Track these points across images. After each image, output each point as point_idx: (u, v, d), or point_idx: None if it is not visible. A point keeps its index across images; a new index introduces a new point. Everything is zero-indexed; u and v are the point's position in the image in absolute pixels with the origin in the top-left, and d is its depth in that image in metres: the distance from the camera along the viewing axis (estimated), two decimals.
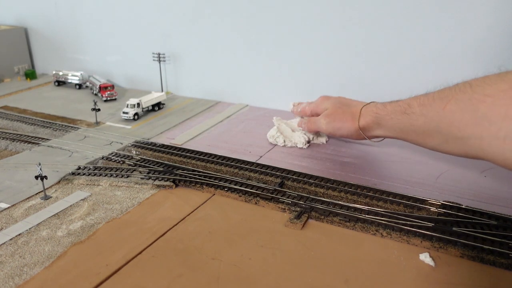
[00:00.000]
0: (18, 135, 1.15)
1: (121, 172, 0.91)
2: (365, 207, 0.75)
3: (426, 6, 1.05)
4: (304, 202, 0.78)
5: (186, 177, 0.87)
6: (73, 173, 0.92)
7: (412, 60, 1.11)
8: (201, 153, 1.00)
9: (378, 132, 0.87)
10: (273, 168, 0.91)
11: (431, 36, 1.07)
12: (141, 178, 0.88)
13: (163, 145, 1.05)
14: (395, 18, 1.10)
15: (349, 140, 1.06)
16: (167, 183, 0.86)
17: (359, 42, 1.16)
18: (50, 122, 1.24)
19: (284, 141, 1.05)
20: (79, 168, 0.95)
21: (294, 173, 0.89)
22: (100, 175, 0.91)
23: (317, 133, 1.07)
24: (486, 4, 0.98)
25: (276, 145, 1.05)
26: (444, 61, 1.07)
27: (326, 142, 1.07)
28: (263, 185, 0.84)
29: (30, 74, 1.75)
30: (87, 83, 1.58)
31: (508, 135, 0.57)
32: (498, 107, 0.58)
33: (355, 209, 0.75)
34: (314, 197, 0.80)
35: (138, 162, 0.96)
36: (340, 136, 0.96)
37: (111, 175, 0.90)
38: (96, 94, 1.49)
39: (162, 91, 1.48)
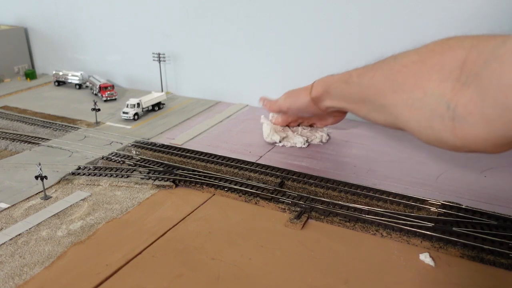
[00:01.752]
0: (18, 135, 1.15)
1: (121, 172, 0.91)
2: (365, 207, 0.75)
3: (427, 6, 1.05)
4: (304, 202, 0.78)
5: (186, 177, 0.87)
6: (73, 173, 0.92)
7: None
8: (201, 153, 1.00)
9: (327, 103, 0.89)
10: (273, 168, 0.91)
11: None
12: (141, 178, 0.88)
13: (163, 145, 1.05)
14: (395, 18, 1.10)
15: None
16: (167, 183, 0.86)
17: (360, 43, 1.16)
18: (50, 122, 1.24)
19: (280, 140, 1.05)
20: (79, 168, 0.95)
21: (294, 173, 0.89)
22: (100, 175, 0.91)
23: (280, 115, 1.07)
24: None
25: (276, 145, 1.05)
26: None
27: (326, 141, 1.07)
28: (263, 185, 0.84)
29: (30, 74, 1.75)
30: (87, 83, 1.58)
31: (413, 104, 0.61)
32: (410, 77, 0.62)
33: (355, 209, 0.75)
34: (314, 197, 0.80)
35: (138, 162, 0.96)
36: (297, 111, 0.99)
37: (111, 175, 0.90)
38: (96, 94, 1.49)
39: (162, 91, 1.48)
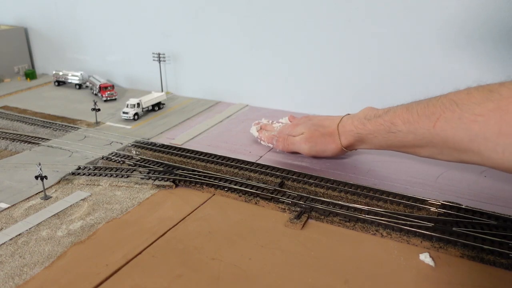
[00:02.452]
0: (18, 135, 1.15)
1: (121, 172, 0.91)
2: (365, 207, 0.75)
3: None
4: (304, 202, 0.78)
5: (186, 177, 0.87)
6: (73, 173, 0.92)
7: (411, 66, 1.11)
8: (201, 153, 1.00)
9: (363, 147, 0.88)
10: (273, 168, 0.91)
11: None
12: (141, 178, 0.88)
13: (163, 145, 1.05)
14: (395, 19, 1.10)
15: None
16: (167, 183, 0.86)
17: (360, 42, 1.16)
18: (50, 122, 1.24)
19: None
20: (79, 168, 0.95)
21: (294, 173, 0.89)
22: (100, 175, 0.91)
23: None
24: None
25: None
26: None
27: None
28: (263, 185, 0.84)
29: (30, 74, 1.75)
30: (87, 83, 1.58)
31: (506, 148, 0.61)
32: (491, 126, 0.62)
33: (355, 209, 0.75)
34: (314, 197, 0.80)
35: (138, 162, 0.96)
36: (324, 157, 0.96)
37: (111, 175, 0.90)
38: (96, 94, 1.49)
39: (162, 91, 1.48)
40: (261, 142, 1.05)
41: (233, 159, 0.96)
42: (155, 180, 0.87)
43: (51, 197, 0.83)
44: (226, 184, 0.85)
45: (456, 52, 1.05)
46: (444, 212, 0.74)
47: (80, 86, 1.60)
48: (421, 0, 1.05)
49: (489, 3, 0.98)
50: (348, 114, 0.91)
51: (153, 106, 1.33)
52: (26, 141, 1.11)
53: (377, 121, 0.80)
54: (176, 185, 0.86)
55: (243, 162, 0.94)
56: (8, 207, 0.80)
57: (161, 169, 0.92)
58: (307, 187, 0.84)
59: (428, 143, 0.73)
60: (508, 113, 0.60)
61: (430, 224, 0.69)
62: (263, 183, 0.86)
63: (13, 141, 1.11)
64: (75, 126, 1.21)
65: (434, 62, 1.08)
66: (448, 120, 0.67)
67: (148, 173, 0.90)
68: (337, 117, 0.92)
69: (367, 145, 0.86)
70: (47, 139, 1.12)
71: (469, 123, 0.64)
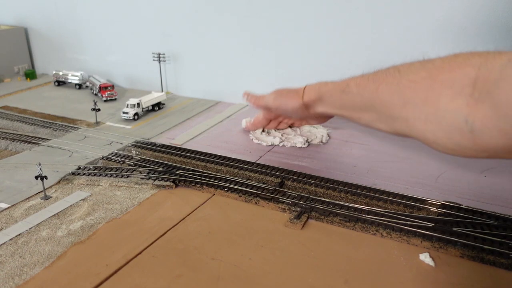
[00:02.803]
0: (18, 135, 1.15)
1: (121, 172, 0.91)
2: (365, 207, 0.75)
3: None
4: (304, 202, 0.78)
5: (186, 177, 0.87)
6: (73, 173, 0.92)
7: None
8: (201, 153, 1.00)
9: (320, 109, 0.91)
10: (273, 168, 0.91)
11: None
12: (141, 178, 0.88)
13: (163, 145, 1.05)
14: (394, 18, 1.10)
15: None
16: (167, 183, 0.86)
17: (360, 42, 1.16)
18: (50, 122, 1.24)
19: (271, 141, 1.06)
20: (79, 168, 0.95)
21: (294, 173, 0.89)
22: (100, 175, 0.91)
23: (265, 110, 1.08)
24: None
25: (275, 145, 1.05)
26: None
27: (326, 142, 1.07)
28: (263, 185, 0.84)
29: (30, 74, 1.75)
30: (87, 83, 1.58)
31: (427, 117, 0.64)
32: (420, 92, 0.65)
33: (355, 209, 0.75)
34: (314, 197, 0.80)
35: (138, 162, 0.96)
36: (285, 112, 1.01)
37: (111, 175, 0.90)
38: (96, 94, 1.49)
39: (162, 91, 1.48)
40: (284, 143, 1.06)
41: (233, 159, 0.96)
42: (155, 180, 0.87)
43: (51, 197, 0.83)
44: (226, 184, 0.85)
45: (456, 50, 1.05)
46: (444, 212, 0.74)
47: (80, 86, 1.60)
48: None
49: (488, 3, 0.98)
50: None
51: (153, 106, 1.33)
52: (26, 141, 1.11)
53: (337, 82, 0.85)
54: (176, 185, 0.86)
55: (243, 162, 0.94)
56: (8, 207, 0.80)
57: (161, 169, 0.92)
58: (307, 187, 0.84)
59: (370, 107, 0.76)
60: (435, 82, 0.63)
61: (430, 224, 0.69)
62: (263, 183, 0.86)
63: (13, 141, 1.11)
64: (75, 126, 1.21)
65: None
66: (389, 84, 0.71)
67: (148, 173, 0.90)
68: None
69: (324, 105, 0.89)
70: (47, 139, 1.12)
71: (404, 88, 0.68)
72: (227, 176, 0.88)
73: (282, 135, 1.08)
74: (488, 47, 1.01)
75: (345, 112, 0.85)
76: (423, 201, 0.77)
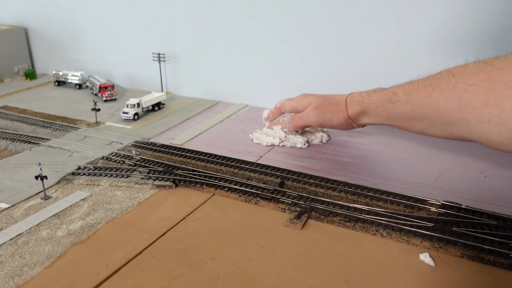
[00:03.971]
0: (18, 135, 1.15)
1: (121, 172, 0.91)
2: (365, 207, 0.75)
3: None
4: (304, 202, 0.78)
5: (186, 177, 0.87)
6: (73, 173, 0.92)
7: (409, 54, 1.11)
8: (201, 153, 1.00)
9: (365, 120, 0.91)
10: (273, 168, 0.91)
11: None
12: (141, 178, 0.88)
13: (163, 145, 1.05)
14: (396, 20, 1.10)
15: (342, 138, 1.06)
16: (167, 183, 0.86)
17: (359, 42, 1.16)
18: (50, 122, 1.24)
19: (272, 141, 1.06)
20: (79, 168, 0.95)
21: (294, 173, 0.89)
22: (100, 175, 0.91)
23: (302, 130, 1.08)
24: None
25: (275, 145, 1.05)
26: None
27: (326, 142, 1.07)
28: (263, 185, 0.84)
29: (30, 74, 1.75)
30: (87, 83, 1.58)
31: (491, 119, 0.63)
32: (480, 95, 0.64)
33: (355, 209, 0.75)
34: (314, 197, 0.80)
35: (138, 162, 0.96)
36: (330, 127, 0.99)
37: (111, 175, 0.90)
38: (96, 94, 1.49)
39: (162, 91, 1.48)
40: (284, 144, 1.05)
41: (233, 159, 0.96)
42: (155, 180, 0.87)
43: (51, 197, 0.83)
44: (226, 184, 0.85)
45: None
46: (444, 212, 0.74)
47: (80, 86, 1.60)
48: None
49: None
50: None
51: (153, 106, 1.33)
52: (26, 141, 1.11)
53: (381, 91, 0.83)
54: (176, 185, 0.86)
55: (243, 162, 0.94)
56: (8, 207, 0.80)
57: (161, 169, 0.92)
58: (307, 187, 0.84)
59: (422, 115, 0.75)
60: (497, 83, 0.62)
61: (430, 224, 0.69)
62: (263, 183, 0.86)
63: (13, 141, 1.11)
64: (75, 126, 1.21)
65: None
66: (443, 90, 0.69)
67: (148, 173, 0.90)
68: (347, 94, 0.95)
69: (369, 117, 0.88)
70: (47, 139, 1.12)
71: (461, 92, 0.66)
72: (227, 176, 0.88)
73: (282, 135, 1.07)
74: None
75: (393, 122, 0.83)
76: (423, 201, 0.77)
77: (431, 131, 0.76)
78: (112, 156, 1.00)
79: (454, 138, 0.74)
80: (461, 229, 0.68)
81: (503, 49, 0.95)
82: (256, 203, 0.80)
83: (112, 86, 1.45)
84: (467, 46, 1.04)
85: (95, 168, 0.94)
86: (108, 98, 1.44)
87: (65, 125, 1.21)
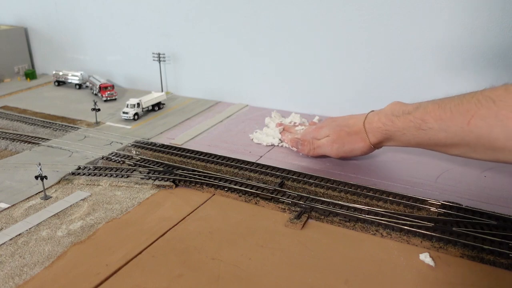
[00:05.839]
0: (18, 135, 1.15)
1: (121, 172, 0.91)
2: (365, 207, 0.75)
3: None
4: (304, 202, 0.78)
5: (186, 177, 0.87)
6: (73, 173, 0.92)
7: (412, 62, 1.11)
8: (201, 153, 1.00)
9: (390, 144, 0.86)
10: (273, 168, 0.91)
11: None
12: (141, 178, 0.88)
13: (163, 145, 1.05)
14: (397, 21, 1.10)
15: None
16: (167, 183, 0.86)
17: (359, 43, 1.16)
18: (50, 122, 1.24)
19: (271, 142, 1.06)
20: (79, 168, 0.95)
21: (294, 173, 0.89)
22: (100, 175, 0.91)
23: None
24: None
25: (275, 145, 1.05)
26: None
27: None
28: (263, 185, 0.84)
29: (30, 74, 1.75)
30: (87, 83, 1.58)
31: None
32: None
33: (355, 209, 0.75)
34: (314, 197, 0.80)
35: (138, 162, 0.96)
36: (352, 157, 0.94)
37: (111, 175, 0.90)
38: (96, 94, 1.49)
39: (162, 91, 1.48)
40: (284, 144, 1.05)
41: (233, 159, 0.96)
42: (155, 180, 0.87)
43: (51, 197, 0.83)
44: (226, 184, 0.85)
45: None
46: (444, 212, 0.74)
47: (80, 86, 1.60)
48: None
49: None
50: (373, 110, 0.88)
51: (153, 106, 1.33)
52: (26, 141, 1.11)
53: (407, 117, 0.77)
54: (176, 185, 0.86)
55: (243, 162, 0.94)
56: (8, 207, 0.80)
57: (161, 169, 0.92)
58: (307, 187, 0.84)
59: (460, 141, 0.70)
60: None
61: (430, 224, 0.69)
62: (263, 183, 0.86)
63: (13, 141, 1.11)
64: (75, 126, 1.21)
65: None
66: (484, 118, 0.65)
67: (148, 173, 0.90)
68: (362, 115, 0.89)
69: (395, 142, 0.84)
70: (47, 139, 1.12)
71: (506, 120, 0.62)
72: (227, 176, 0.88)
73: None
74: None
75: (425, 147, 0.79)
76: (423, 201, 0.77)
77: (472, 155, 0.72)
78: (112, 156, 1.00)
79: (498, 162, 0.70)
80: (461, 229, 0.68)
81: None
82: (256, 203, 0.80)
83: (112, 86, 1.45)
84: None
85: (95, 168, 0.94)
86: (108, 98, 1.44)
87: (65, 125, 1.21)
